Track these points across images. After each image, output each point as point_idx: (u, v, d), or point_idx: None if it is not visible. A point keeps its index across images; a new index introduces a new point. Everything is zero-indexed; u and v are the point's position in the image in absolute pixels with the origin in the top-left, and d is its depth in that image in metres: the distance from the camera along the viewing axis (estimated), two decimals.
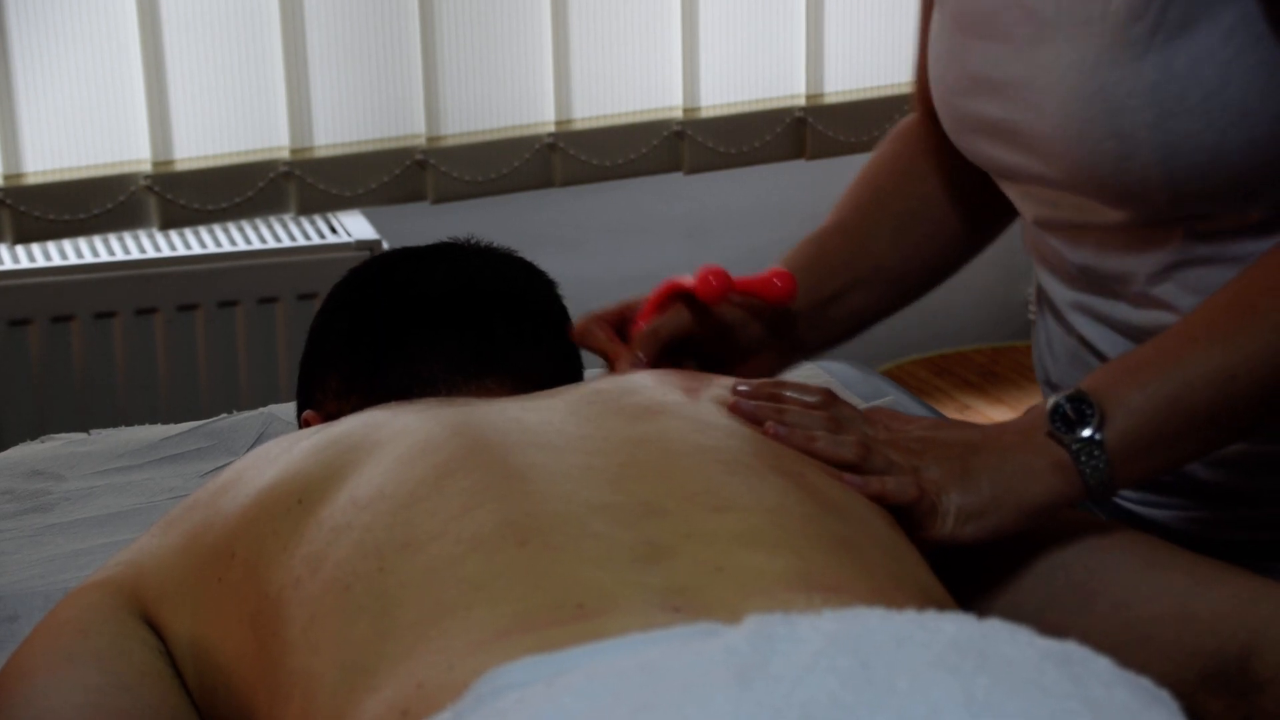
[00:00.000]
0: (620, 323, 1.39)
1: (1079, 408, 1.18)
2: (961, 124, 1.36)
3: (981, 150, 1.35)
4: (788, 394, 1.20)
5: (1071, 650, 0.84)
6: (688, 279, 1.34)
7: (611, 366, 1.35)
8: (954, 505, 1.16)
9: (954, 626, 0.84)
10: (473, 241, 1.42)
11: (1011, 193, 1.39)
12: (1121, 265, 1.32)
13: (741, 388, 1.20)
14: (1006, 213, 1.48)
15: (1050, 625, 1.09)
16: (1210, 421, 1.20)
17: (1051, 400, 1.19)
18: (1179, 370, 1.19)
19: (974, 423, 1.25)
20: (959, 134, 1.37)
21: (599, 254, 2.93)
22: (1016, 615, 1.10)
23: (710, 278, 1.32)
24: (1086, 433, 1.17)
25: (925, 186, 1.50)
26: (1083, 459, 1.17)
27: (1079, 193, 1.29)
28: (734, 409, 1.16)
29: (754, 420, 1.16)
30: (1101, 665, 0.84)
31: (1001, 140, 1.32)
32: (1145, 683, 0.85)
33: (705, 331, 1.36)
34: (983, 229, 1.52)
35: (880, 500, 1.13)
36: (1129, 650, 1.10)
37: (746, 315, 1.38)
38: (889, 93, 2.83)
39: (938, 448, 1.18)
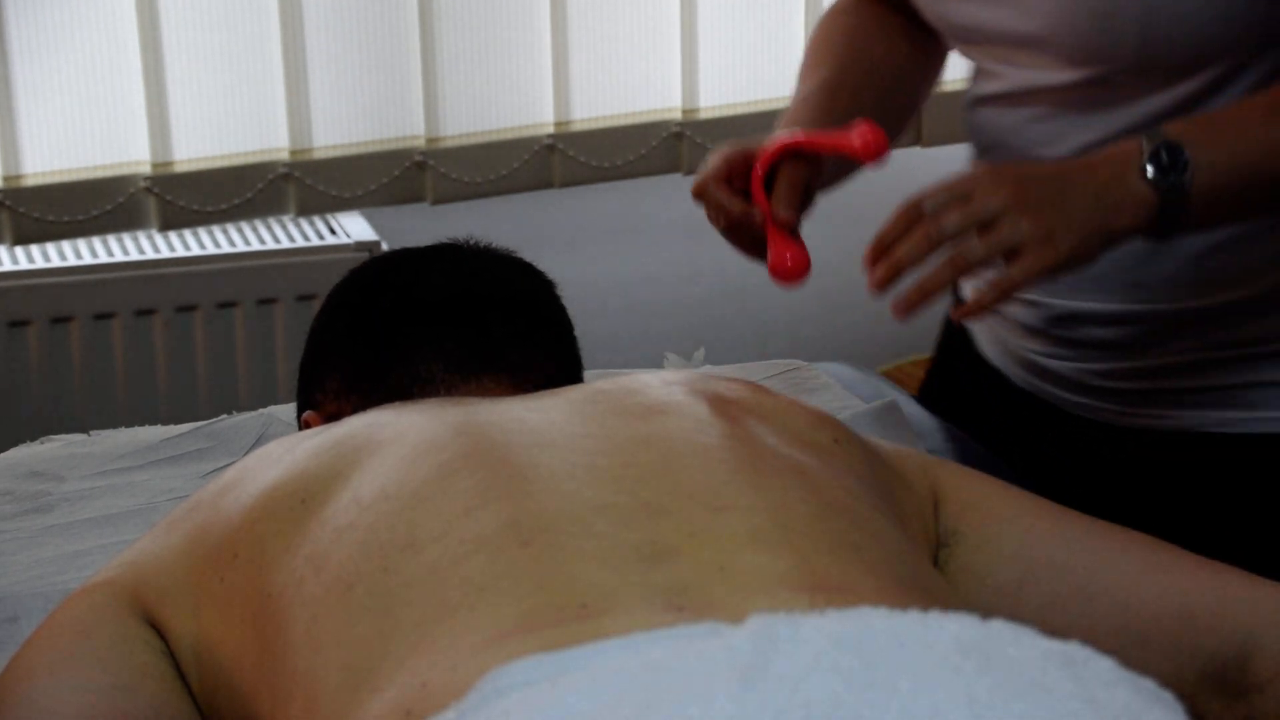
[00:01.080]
0: (731, 180, 1.42)
1: (1175, 156, 1.30)
2: None
3: (958, 11, 1.48)
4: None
5: (1074, 651, 0.84)
6: (839, 137, 1.38)
7: (761, 224, 1.39)
8: (1064, 242, 1.27)
9: (957, 626, 0.84)
10: (472, 242, 1.42)
11: (982, 59, 1.52)
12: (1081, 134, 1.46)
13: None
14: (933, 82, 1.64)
15: (1050, 626, 1.09)
16: (1276, 189, 1.34)
17: (1150, 145, 1.30)
18: (1263, 138, 1.32)
19: (1065, 161, 1.35)
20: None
21: (598, 255, 2.93)
22: (1017, 615, 1.10)
23: (871, 136, 1.37)
24: (1177, 180, 1.30)
25: (898, 54, 1.60)
26: (1166, 203, 1.29)
27: (1052, 50, 1.42)
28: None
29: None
30: (1104, 666, 0.84)
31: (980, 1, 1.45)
32: (1148, 684, 0.85)
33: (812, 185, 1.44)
34: (922, 98, 1.66)
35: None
36: (1128, 651, 1.11)
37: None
38: None
39: (1037, 190, 1.29)
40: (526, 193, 2.75)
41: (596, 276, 2.92)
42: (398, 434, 1.11)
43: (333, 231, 2.64)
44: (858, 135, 1.36)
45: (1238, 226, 1.45)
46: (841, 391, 1.69)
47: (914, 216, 1.31)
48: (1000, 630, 0.85)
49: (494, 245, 1.42)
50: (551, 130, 2.71)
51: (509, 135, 2.70)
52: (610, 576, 0.95)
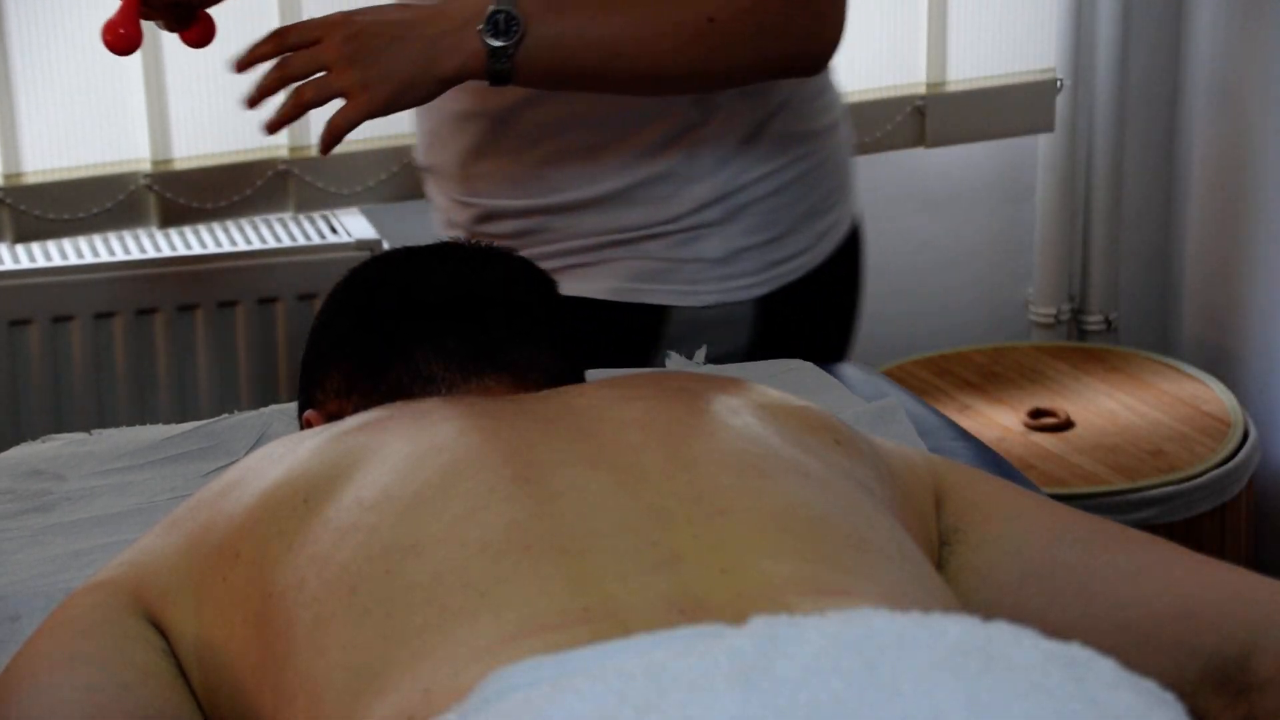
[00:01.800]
0: None
1: (510, 23, 1.54)
2: None
3: None
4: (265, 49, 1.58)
5: (1076, 652, 0.84)
6: None
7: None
8: (383, 92, 1.54)
9: (958, 628, 0.84)
10: (472, 241, 1.42)
11: None
12: None
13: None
14: None
15: (1051, 625, 1.09)
16: (593, 75, 1.59)
17: (496, 11, 1.53)
18: (587, 29, 1.57)
19: (412, 6, 1.57)
20: None
21: None
22: (1018, 616, 1.10)
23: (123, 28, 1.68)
24: (505, 44, 1.54)
25: None
26: (494, 61, 1.54)
27: None
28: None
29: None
30: (1105, 667, 0.84)
31: None
32: (1149, 685, 0.85)
33: None
34: None
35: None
36: (1129, 650, 1.10)
37: None
38: (892, 94, 2.82)
39: (371, 42, 1.54)
40: None
41: None
42: (400, 434, 1.11)
43: (334, 230, 2.64)
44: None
45: (610, 122, 1.70)
46: (843, 391, 1.69)
47: (279, 44, 1.59)
48: (1002, 632, 0.85)
49: (495, 244, 1.42)
50: None
51: None
52: (613, 579, 0.95)
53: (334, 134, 1.57)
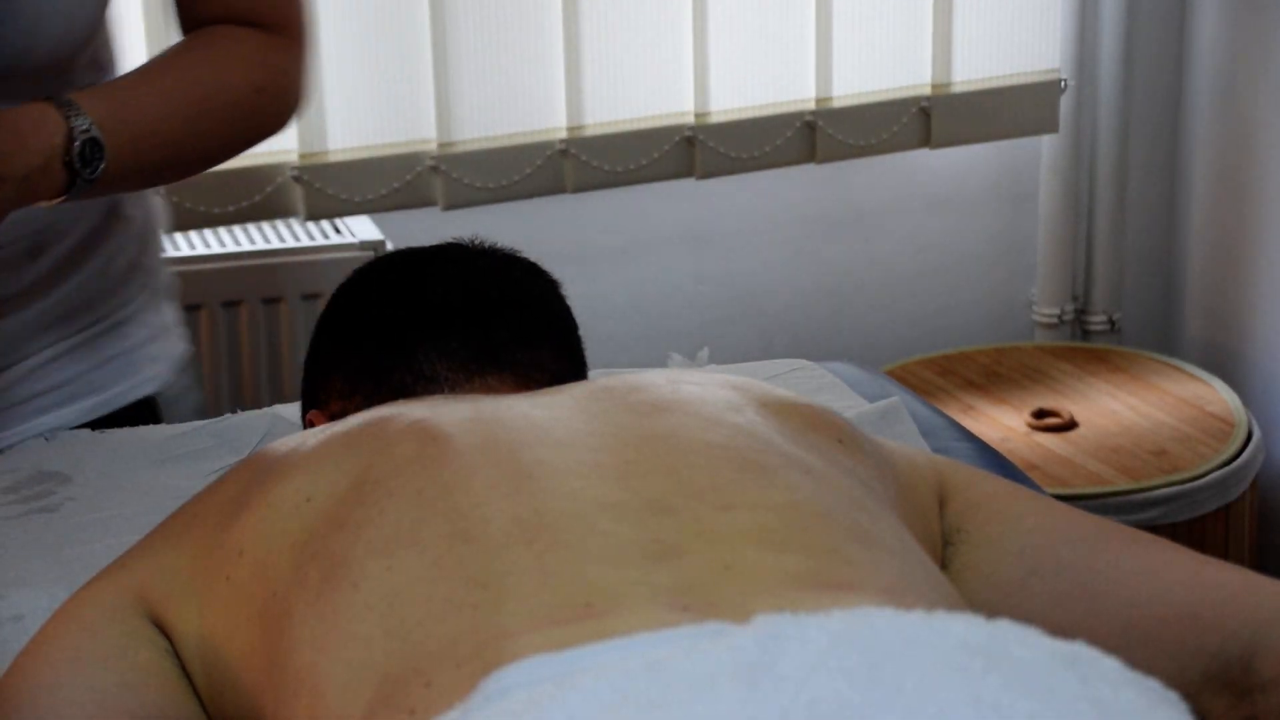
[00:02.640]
0: None
1: (94, 149, 1.41)
2: None
3: None
4: None
5: (1080, 651, 0.84)
6: None
7: None
8: None
9: (962, 627, 0.84)
10: (476, 242, 1.42)
11: None
12: None
13: None
14: None
15: (1055, 624, 1.09)
16: (161, 171, 1.53)
17: (80, 141, 1.40)
18: (159, 129, 1.47)
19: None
20: None
21: (609, 260, 2.92)
22: (1021, 616, 1.10)
23: None
24: (91, 174, 1.40)
25: None
26: (76, 188, 1.40)
27: None
28: None
29: None
30: (1109, 666, 0.84)
31: None
32: (1153, 684, 0.85)
33: None
34: None
35: None
36: (1133, 650, 1.10)
37: None
38: (897, 95, 2.82)
39: None
40: (538, 199, 2.74)
41: (608, 281, 2.92)
42: (401, 432, 1.11)
43: (338, 231, 2.64)
44: None
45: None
46: (846, 391, 1.69)
47: None
48: (1006, 630, 0.85)
49: (498, 245, 1.42)
50: (564, 135, 2.70)
51: (522, 140, 2.69)
52: (615, 575, 0.95)
53: None
